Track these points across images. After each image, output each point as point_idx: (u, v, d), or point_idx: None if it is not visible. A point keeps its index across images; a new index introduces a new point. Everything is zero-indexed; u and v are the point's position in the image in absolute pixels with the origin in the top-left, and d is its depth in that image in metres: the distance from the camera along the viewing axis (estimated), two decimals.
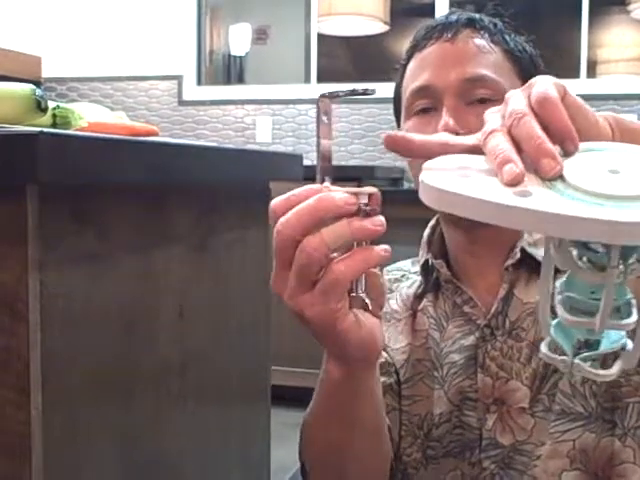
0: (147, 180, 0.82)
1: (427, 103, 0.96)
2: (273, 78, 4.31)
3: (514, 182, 0.47)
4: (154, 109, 3.95)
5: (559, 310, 0.54)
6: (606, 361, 0.57)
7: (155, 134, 1.03)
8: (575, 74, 3.51)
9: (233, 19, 5.05)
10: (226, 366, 1.02)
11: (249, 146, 3.79)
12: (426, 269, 1.03)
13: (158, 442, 0.89)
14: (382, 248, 0.60)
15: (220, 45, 4.90)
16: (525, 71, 0.98)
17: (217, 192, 1.02)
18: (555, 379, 0.91)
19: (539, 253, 0.94)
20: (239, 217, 1.09)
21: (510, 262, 0.95)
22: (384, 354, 1.01)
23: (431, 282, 1.03)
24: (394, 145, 0.59)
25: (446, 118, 0.92)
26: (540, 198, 0.46)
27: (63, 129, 0.82)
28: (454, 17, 1.00)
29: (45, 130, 0.67)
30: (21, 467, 0.69)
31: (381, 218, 0.60)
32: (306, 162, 1.34)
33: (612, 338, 0.55)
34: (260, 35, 5.30)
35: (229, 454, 1.09)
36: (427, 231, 1.06)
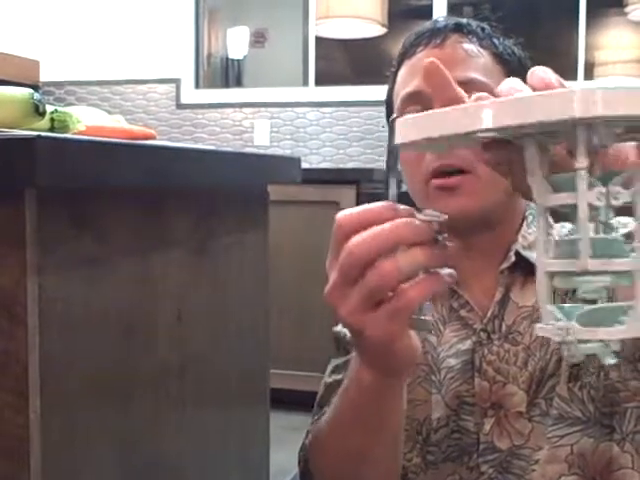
0: (145, 184, 0.82)
1: (418, 108, 0.96)
2: (271, 81, 4.32)
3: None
4: (152, 112, 3.95)
5: (543, 259, 0.51)
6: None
7: (153, 137, 1.03)
8: (573, 76, 3.51)
9: (231, 22, 5.06)
10: (225, 369, 1.02)
11: (247, 149, 3.79)
12: None
13: (157, 445, 0.89)
14: (448, 273, 0.60)
15: (218, 48, 4.91)
16: (514, 73, 0.98)
17: (215, 196, 1.02)
18: (552, 383, 0.91)
19: (533, 256, 0.94)
20: (237, 221, 1.10)
21: (505, 265, 0.95)
22: None
23: None
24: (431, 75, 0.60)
25: None
26: None
27: (61, 133, 0.83)
28: (442, 23, 1.01)
29: (43, 134, 0.67)
30: (20, 470, 0.69)
31: (451, 245, 0.60)
32: (304, 165, 1.34)
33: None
34: (258, 38, 5.30)
35: (228, 457, 1.09)
36: None
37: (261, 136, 3.82)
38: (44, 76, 3.99)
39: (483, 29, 1.01)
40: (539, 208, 0.51)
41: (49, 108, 0.82)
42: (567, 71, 3.55)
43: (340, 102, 3.70)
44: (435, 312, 1.01)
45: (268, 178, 1.19)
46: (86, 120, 0.90)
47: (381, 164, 3.61)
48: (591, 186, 0.47)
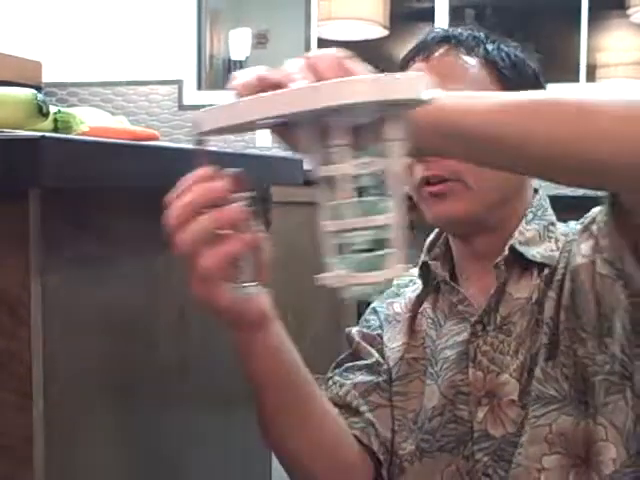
0: (148, 184, 0.82)
1: None
2: None
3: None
4: (154, 114, 3.95)
5: (322, 221, 0.61)
6: None
7: (156, 138, 1.04)
8: (574, 78, 3.51)
9: (233, 23, 5.06)
10: (227, 368, 1.02)
11: (249, 150, 3.79)
12: (424, 271, 1.07)
13: (159, 445, 0.89)
14: (249, 237, 0.69)
15: (220, 50, 4.91)
16: (507, 78, 1.00)
17: None
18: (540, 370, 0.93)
19: (529, 251, 0.98)
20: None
21: (499, 259, 0.98)
22: (375, 354, 1.07)
23: (431, 284, 1.07)
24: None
25: None
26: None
27: (64, 134, 0.83)
28: (431, 35, 1.03)
29: (47, 134, 0.67)
30: (23, 470, 0.69)
31: (246, 207, 0.69)
32: (306, 166, 1.34)
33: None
34: (260, 39, 5.30)
35: (230, 456, 1.09)
36: (432, 236, 1.10)
37: (263, 137, 3.83)
38: (46, 77, 3.99)
39: (475, 37, 1.02)
40: (318, 178, 0.60)
41: (52, 109, 0.82)
42: (569, 73, 3.55)
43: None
44: (437, 309, 1.05)
45: (270, 179, 1.20)
46: (89, 121, 0.90)
47: None
48: (353, 158, 0.57)
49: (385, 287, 0.61)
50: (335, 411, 0.98)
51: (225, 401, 1.06)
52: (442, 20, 3.63)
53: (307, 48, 4.05)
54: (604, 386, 0.90)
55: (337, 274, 0.59)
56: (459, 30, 1.03)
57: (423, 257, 1.08)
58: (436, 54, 1.00)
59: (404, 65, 1.04)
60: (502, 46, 1.02)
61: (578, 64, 3.54)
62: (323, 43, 3.99)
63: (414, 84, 0.59)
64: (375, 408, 1.03)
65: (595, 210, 0.94)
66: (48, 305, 0.70)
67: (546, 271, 0.97)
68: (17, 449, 0.69)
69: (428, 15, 3.78)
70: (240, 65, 5.11)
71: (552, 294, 0.95)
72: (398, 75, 0.59)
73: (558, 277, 0.95)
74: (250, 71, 0.68)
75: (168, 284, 0.90)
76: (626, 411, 0.89)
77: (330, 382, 1.07)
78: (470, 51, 1.00)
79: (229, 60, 5.07)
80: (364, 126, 0.60)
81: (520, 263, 0.98)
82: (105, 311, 0.79)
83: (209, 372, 1.01)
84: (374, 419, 1.02)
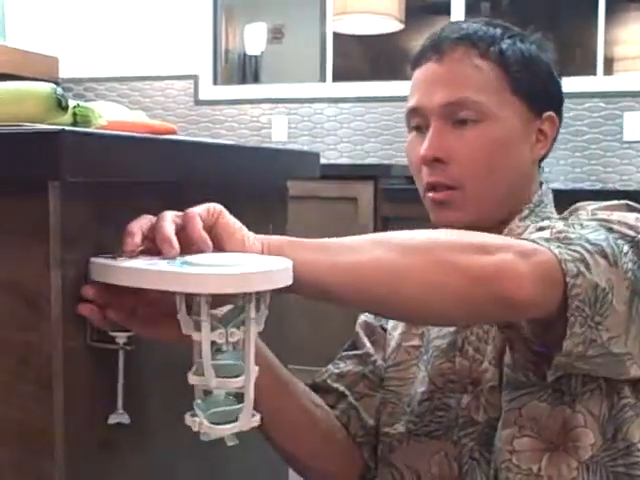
0: (167, 177, 0.83)
1: (419, 122, 1.04)
2: (288, 77, 4.32)
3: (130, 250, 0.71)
4: (170, 109, 3.96)
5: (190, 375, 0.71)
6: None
7: (174, 132, 1.04)
8: (592, 71, 3.49)
9: (248, 18, 5.06)
10: None
11: (265, 145, 3.79)
12: None
13: (177, 435, 0.89)
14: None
15: (236, 44, 4.91)
16: (519, 80, 1.01)
17: (235, 190, 1.02)
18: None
19: None
20: (257, 215, 1.10)
21: None
22: (367, 345, 1.12)
23: None
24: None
25: (426, 144, 1.00)
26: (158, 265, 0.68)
27: (83, 128, 0.83)
28: (447, 31, 1.03)
29: (67, 128, 0.67)
30: (42, 461, 0.70)
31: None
32: (322, 161, 1.35)
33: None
34: (275, 34, 5.30)
35: (247, 454, 1.09)
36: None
37: (279, 132, 3.82)
38: (63, 73, 4.01)
39: (491, 36, 1.01)
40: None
41: (71, 103, 0.83)
42: (586, 66, 3.53)
43: (357, 98, 3.69)
44: None
45: (287, 173, 1.20)
46: (108, 115, 0.90)
47: (399, 160, 3.60)
48: (215, 328, 0.68)
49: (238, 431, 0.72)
50: (316, 398, 1.05)
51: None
52: (458, 13, 3.61)
53: (322, 43, 4.04)
54: (580, 377, 0.92)
55: (197, 421, 0.70)
56: (474, 27, 1.03)
57: None
58: (450, 57, 1.01)
59: (417, 63, 1.05)
60: (518, 44, 1.02)
61: (595, 57, 3.51)
62: (338, 37, 3.98)
63: (272, 277, 0.67)
64: (361, 398, 1.09)
65: (576, 205, 0.96)
66: (68, 297, 0.70)
67: None
68: (36, 440, 0.70)
69: (444, 8, 3.75)
70: (256, 60, 5.12)
71: None
72: (258, 269, 0.67)
73: None
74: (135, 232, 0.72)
75: None
76: (601, 398, 0.92)
77: (323, 369, 1.12)
78: (484, 53, 1.00)
79: (245, 55, 5.07)
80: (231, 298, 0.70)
81: None
82: None
83: None
84: (358, 405, 1.08)
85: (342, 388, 1.09)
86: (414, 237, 0.78)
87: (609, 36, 3.73)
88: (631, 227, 0.87)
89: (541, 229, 0.87)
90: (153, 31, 3.93)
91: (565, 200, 1.07)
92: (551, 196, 1.07)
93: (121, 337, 0.75)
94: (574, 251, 0.80)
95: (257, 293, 0.68)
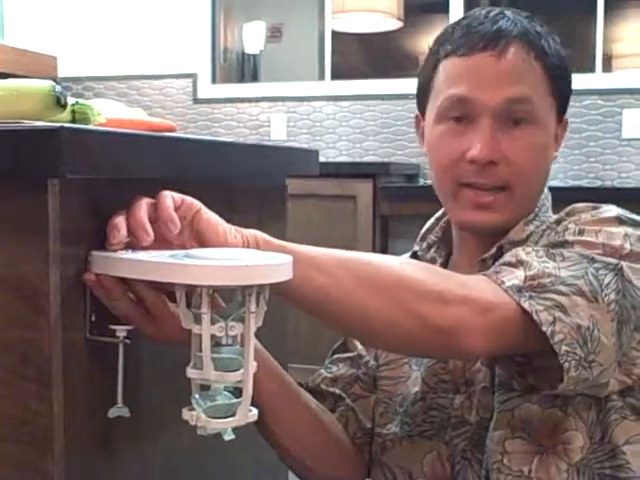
0: (166, 175, 0.82)
1: (463, 113, 0.98)
2: (287, 75, 4.32)
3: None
4: (169, 107, 3.96)
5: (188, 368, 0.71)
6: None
7: (173, 130, 1.04)
8: (591, 68, 3.49)
9: (247, 17, 5.06)
10: None
11: (264, 143, 3.79)
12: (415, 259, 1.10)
13: (176, 434, 0.89)
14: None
15: (234, 43, 4.91)
16: (558, 87, 1.00)
17: (234, 187, 1.02)
18: None
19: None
20: (256, 212, 1.10)
21: (485, 256, 0.99)
22: (358, 347, 1.12)
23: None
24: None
25: (481, 145, 0.95)
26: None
27: (82, 125, 0.83)
28: (502, 24, 0.98)
29: (65, 125, 0.67)
30: (43, 459, 0.70)
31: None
32: (321, 159, 1.35)
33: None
34: (274, 33, 5.30)
35: (246, 452, 1.09)
36: (427, 224, 1.12)
37: (278, 130, 3.82)
38: (62, 72, 4.01)
39: (540, 37, 0.99)
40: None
41: (70, 100, 0.83)
42: (585, 63, 3.52)
43: (356, 96, 3.69)
44: None
45: (286, 170, 1.20)
46: (106, 112, 0.90)
47: (398, 158, 3.60)
48: (215, 322, 0.68)
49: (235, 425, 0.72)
50: (313, 402, 1.04)
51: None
52: (457, 12, 3.61)
53: (321, 41, 4.04)
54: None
55: (195, 415, 0.70)
56: (522, 22, 0.99)
57: (415, 246, 1.10)
58: (510, 52, 0.96)
59: (461, 47, 0.97)
60: (552, 44, 1.00)
61: (594, 54, 3.51)
62: (337, 36, 3.98)
63: (273, 270, 0.68)
64: (357, 399, 1.08)
65: (573, 206, 0.97)
66: (67, 295, 0.70)
67: None
68: (36, 437, 0.70)
69: (442, 7, 3.75)
70: (254, 58, 5.12)
71: None
72: (259, 262, 0.67)
73: None
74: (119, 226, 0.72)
75: None
76: (590, 402, 0.92)
77: (315, 374, 1.12)
78: (537, 55, 0.97)
79: (243, 53, 5.07)
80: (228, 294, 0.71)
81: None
82: None
83: None
84: (355, 407, 1.08)
85: (338, 391, 1.09)
86: (380, 271, 0.80)
87: (608, 34, 3.73)
88: (616, 250, 0.88)
89: (519, 263, 0.87)
90: (152, 30, 3.93)
91: (564, 198, 1.07)
92: (550, 198, 1.06)
93: (121, 330, 0.75)
94: (547, 299, 0.82)
95: (257, 287, 0.68)
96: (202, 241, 0.74)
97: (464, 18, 1.03)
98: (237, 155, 1.02)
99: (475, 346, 0.80)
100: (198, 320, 0.68)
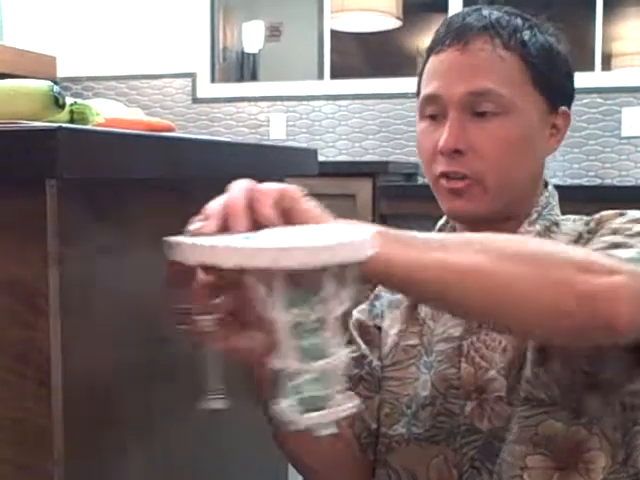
0: (164, 175, 0.82)
1: (435, 110, 1.01)
2: (286, 75, 4.32)
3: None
4: (168, 107, 3.96)
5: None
6: None
7: (172, 130, 1.04)
8: (590, 67, 3.49)
9: (246, 16, 5.06)
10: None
11: (263, 143, 3.79)
12: None
13: (176, 433, 0.89)
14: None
15: (233, 42, 4.91)
16: (540, 73, 0.99)
17: None
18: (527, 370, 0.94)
19: None
20: None
21: None
22: (362, 346, 1.09)
23: None
24: None
25: (445, 135, 0.97)
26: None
27: (80, 125, 0.83)
28: (471, 19, 1.00)
29: (64, 125, 0.67)
30: (42, 459, 0.70)
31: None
32: (320, 158, 1.35)
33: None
34: (273, 32, 5.30)
35: (247, 448, 1.09)
36: (440, 222, 1.11)
37: (277, 130, 3.82)
38: (61, 72, 4.01)
39: (513, 26, 0.99)
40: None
41: (68, 100, 0.83)
42: (584, 62, 3.52)
43: (355, 95, 3.69)
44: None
45: (285, 170, 1.20)
46: (105, 112, 0.90)
47: (397, 157, 3.60)
48: (295, 306, 0.63)
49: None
50: None
51: (241, 391, 1.06)
52: (456, 11, 3.61)
53: (320, 40, 4.04)
54: (600, 398, 0.92)
55: (284, 409, 0.64)
56: (496, 15, 1.00)
57: None
58: (473, 45, 0.98)
59: (435, 46, 1.01)
60: (538, 35, 1.00)
61: (593, 53, 3.51)
62: (336, 35, 3.98)
63: (356, 248, 0.63)
64: (362, 400, 1.03)
65: (601, 214, 0.96)
66: (66, 295, 0.70)
67: None
68: (35, 438, 0.70)
69: (441, 5, 3.75)
70: (253, 58, 5.11)
71: None
72: (341, 240, 0.62)
73: None
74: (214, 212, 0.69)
75: None
76: (616, 423, 0.92)
77: None
78: (507, 44, 0.98)
79: (242, 53, 5.06)
80: (307, 275, 0.65)
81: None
82: (123, 301, 0.79)
83: (226, 362, 1.01)
84: (361, 408, 1.04)
85: None
86: (511, 245, 0.77)
87: (607, 32, 3.73)
88: None
89: (616, 246, 0.86)
90: (151, 29, 3.93)
91: (563, 196, 1.06)
92: (557, 197, 1.05)
93: (207, 320, 0.71)
94: None
95: (339, 268, 0.63)
96: None
97: (445, 21, 1.04)
98: (236, 155, 1.02)
99: (625, 315, 0.75)
100: (277, 306, 0.64)
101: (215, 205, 0.69)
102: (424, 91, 1.02)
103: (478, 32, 0.98)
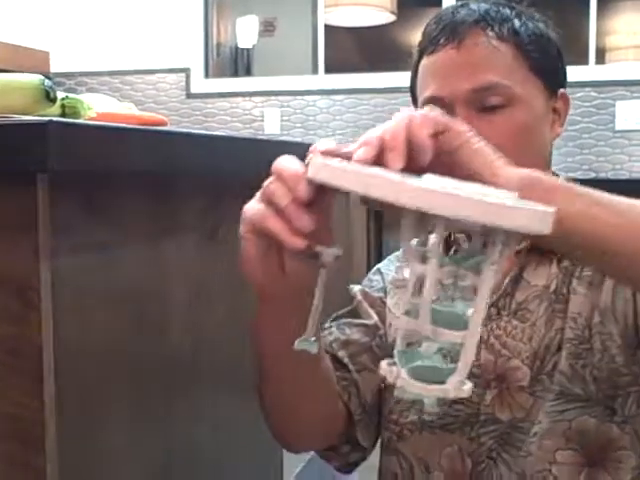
0: (156, 169, 0.82)
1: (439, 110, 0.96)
2: (281, 70, 4.31)
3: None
4: (162, 102, 3.95)
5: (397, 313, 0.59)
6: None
7: (164, 124, 1.04)
8: (584, 61, 3.49)
9: (240, 11, 5.05)
10: (238, 353, 1.02)
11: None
12: (447, 245, 1.02)
13: (170, 428, 0.89)
14: (300, 241, 0.65)
15: (227, 37, 4.90)
16: (535, 60, 0.98)
17: (226, 181, 1.02)
18: (555, 360, 0.93)
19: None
20: None
21: (520, 247, 0.96)
22: (374, 317, 1.05)
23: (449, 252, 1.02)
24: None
25: None
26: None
27: (72, 119, 0.83)
28: (461, 15, 0.99)
29: (54, 119, 0.67)
30: (35, 454, 0.70)
31: (306, 222, 0.65)
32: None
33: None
34: (267, 27, 5.29)
35: (241, 441, 1.09)
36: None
37: (271, 125, 3.82)
38: (55, 67, 4.00)
39: (503, 16, 0.99)
40: (399, 269, 0.59)
41: (60, 95, 0.82)
42: (578, 56, 3.53)
43: (350, 90, 3.69)
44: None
45: None
46: (97, 107, 0.90)
47: None
48: (443, 265, 0.56)
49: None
50: (330, 368, 0.96)
51: (236, 385, 1.06)
52: (449, 5, 3.62)
53: (314, 35, 4.04)
54: (637, 398, 0.91)
55: (393, 371, 0.59)
56: (485, 7, 0.99)
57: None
58: (469, 41, 0.96)
59: (428, 47, 0.99)
60: (528, 23, 1.00)
61: (587, 47, 3.51)
62: (330, 29, 3.98)
63: (540, 218, 0.56)
64: (363, 369, 1.02)
65: None
66: (58, 289, 0.70)
67: (566, 262, 0.96)
68: (29, 433, 0.70)
69: (435, 0, 3.76)
70: (247, 53, 5.10)
71: (581, 289, 0.94)
72: (527, 206, 0.55)
73: (587, 271, 0.94)
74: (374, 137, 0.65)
75: (178, 269, 0.90)
76: None
77: (326, 332, 1.04)
78: (500, 35, 0.97)
79: (236, 48, 5.05)
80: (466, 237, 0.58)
81: (539, 251, 0.97)
82: (115, 295, 0.79)
83: (220, 356, 1.01)
84: (359, 379, 1.01)
85: (346, 359, 1.01)
86: None
87: (601, 26, 3.73)
88: None
89: None
90: (144, 24, 3.92)
91: None
92: None
93: (328, 254, 0.66)
94: None
95: (504, 235, 0.57)
96: (465, 176, 0.66)
97: (434, 18, 1.03)
98: (227, 148, 1.01)
99: None
100: (424, 259, 0.57)
101: (374, 134, 0.65)
102: (424, 94, 0.99)
103: (470, 27, 0.97)
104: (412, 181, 0.56)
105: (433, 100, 0.98)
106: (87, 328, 0.75)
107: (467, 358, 0.57)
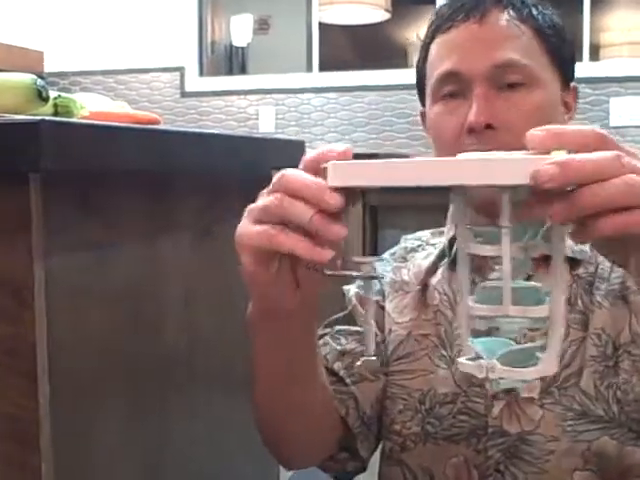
0: (150, 167, 0.82)
1: (455, 87, 0.95)
2: (275, 68, 4.31)
3: None
4: (156, 101, 3.95)
5: (469, 302, 0.56)
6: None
7: (157, 122, 1.03)
8: (578, 57, 3.49)
9: (234, 9, 5.04)
10: (232, 353, 1.02)
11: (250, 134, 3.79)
12: (452, 243, 1.01)
13: (164, 428, 0.89)
14: (325, 252, 0.62)
15: (222, 36, 4.89)
16: (553, 47, 0.96)
17: (219, 179, 1.02)
18: (567, 373, 0.90)
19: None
20: (243, 204, 1.09)
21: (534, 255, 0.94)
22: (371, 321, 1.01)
23: (452, 256, 1.00)
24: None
25: (475, 110, 0.90)
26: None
27: (65, 118, 0.83)
28: None
29: (47, 118, 0.67)
30: (30, 453, 0.70)
31: (342, 230, 0.61)
32: (309, 150, 1.34)
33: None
34: (261, 25, 5.28)
35: (235, 441, 1.09)
36: (445, 244, 1.04)
37: (266, 123, 3.82)
38: (48, 67, 3.99)
39: (524, 2, 0.96)
40: (461, 253, 0.56)
41: (52, 94, 0.82)
42: None
43: (344, 87, 3.69)
44: (454, 284, 0.99)
45: (271, 162, 1.19)
46: (90, 106, 0.90)
47: (386, 149, 3.60)
48: (512, 240, 0.52)
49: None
50: (327, 383, 0.93)
51: (230, 385, 1.06)
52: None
53: (309, 33, 4.04)
54: None
55: (482, 364, 0.55)
56: None
57: (449, 232, 1.02)
58: (490, 18, 0.93)
59: (443, 25, 0.96)
60: (545, 11, 0.98)
61: (581, 44, 3.52)
62: (325, 27, 3.97)
63: None
64: (360, 381, 0.98)
65: None
66: (52, 288, 0.70)
67: (581, 270, 0.94)
68: (24, 432, 0.70)
69: None
70: (242, 51, 5.10)
71: (606, 304, 0.92)
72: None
73: (613, 285, 0.92)
74: None
75: (173, 268, 0.90)
76: None
77: (321, 341, 1.00)
78: (520, 16, 0.95)
79: (231, 46, 5.04)
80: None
81: (548, 256, 0.95)
82: (110, 294, 0.79)
83: (215, 355, 1.01)
84: (356, 392, 0.98)
85: (342, 372, 0.98)
86: None
87: (595, 23, 3.74)
88: None
89: None
90: (138, 23, 3.92)
91: None
92: None
93: (367, 265, 0.64)
94: None
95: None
96: None
97: (447, 1, 1.00)
98: (222, 147, 1.01)
99: None
100: (491, 238, 0.53)
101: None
102: (439, 69, 0.95)
103: (494, 4, 0.95)
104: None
105: (450, 75, 0.94)
106: (82, 327, 0.75)
107: (557, 329, 0.53)
